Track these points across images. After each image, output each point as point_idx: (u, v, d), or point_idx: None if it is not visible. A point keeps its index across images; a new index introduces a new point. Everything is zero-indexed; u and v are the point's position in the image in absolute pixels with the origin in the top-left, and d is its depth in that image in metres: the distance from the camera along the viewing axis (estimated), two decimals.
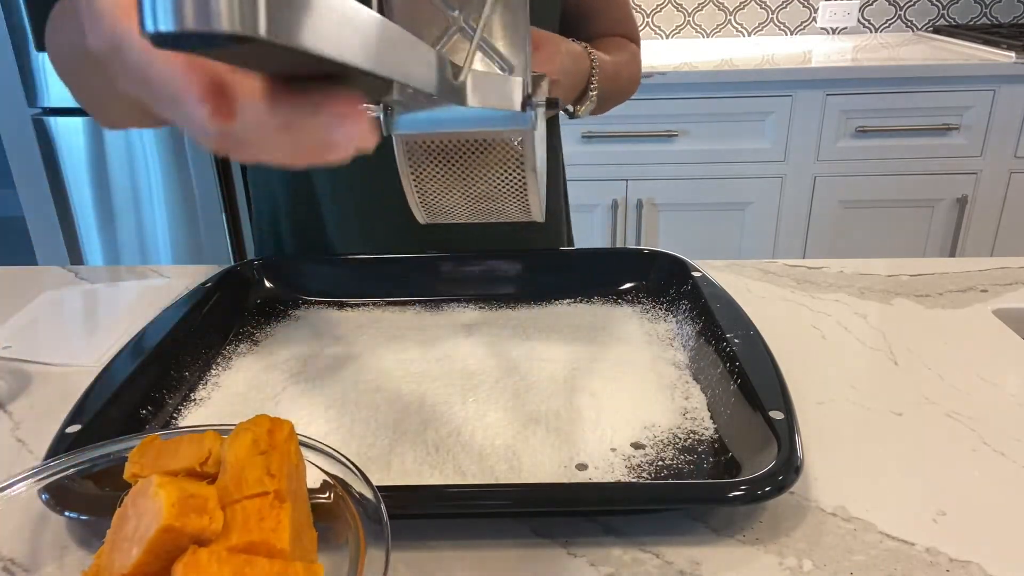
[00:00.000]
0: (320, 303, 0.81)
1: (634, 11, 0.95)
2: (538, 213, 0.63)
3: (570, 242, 1.04)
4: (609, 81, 0.79)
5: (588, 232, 2.13)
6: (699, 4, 2.45)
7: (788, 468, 0.48)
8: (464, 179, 0.61)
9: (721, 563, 0.46)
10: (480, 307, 0.79)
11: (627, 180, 2.08)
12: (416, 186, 0.62)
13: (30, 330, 0.77)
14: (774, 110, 2.00)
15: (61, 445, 0.51)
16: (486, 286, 0.81)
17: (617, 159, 2.06)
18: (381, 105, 0.58)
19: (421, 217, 0.66)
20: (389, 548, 0.38)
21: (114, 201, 2.11)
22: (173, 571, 0.35)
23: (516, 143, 0.59)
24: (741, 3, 2.44)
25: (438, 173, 0.61)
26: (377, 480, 0.43)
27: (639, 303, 0.79)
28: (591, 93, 0.74)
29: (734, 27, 2.48)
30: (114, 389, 0.58)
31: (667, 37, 2.49)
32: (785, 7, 2.44)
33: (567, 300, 0.79)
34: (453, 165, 0.61)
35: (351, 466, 0.43)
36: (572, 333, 0.73)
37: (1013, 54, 1.94)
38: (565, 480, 0.52)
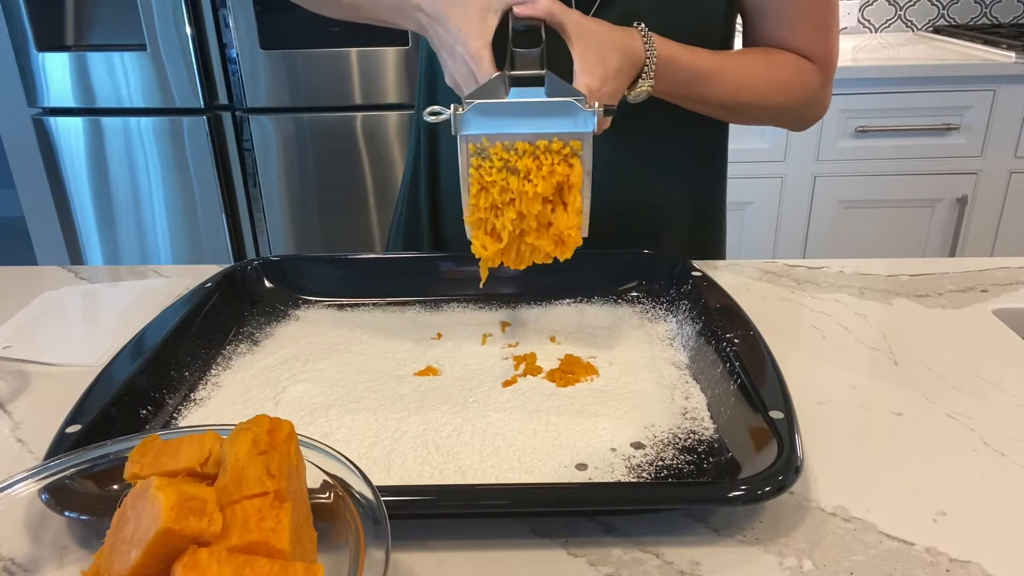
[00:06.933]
0: (320, 303, 0.81)
1: (830, 26, 0.84)
2: (585, 225, 0.64)
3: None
4: (696, 83, 0.77)
5: None
6: None
7: (788, 468, 0.48)
8: (521, 178, 0.62)
9: (721, 563, 0.46)
10: (480, 307, 0.79)
11: None
12: (475, 188, 0.63)
13: (30, 330, 0.77)
14: None
15: (61, 445, 0.51)
16: (486, 286, 0.81)
17: None
18: (452, 107, 0.59)
19: (471, 233, 0.66)
20: (389, 548, 0.38)
21: (114, 201, 2.11)
22: (173, 571, 0.35)
23: (575, 145, 0.61)
24: None
25: (497, 171, 0.62)
26: (377, 480, 0.43)
27: (639, 303, 0.79)
28: (642, 82, 0.72)
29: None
30: (114, 389, 0.58)
31: None
32: None
33: (567, 300, 0.79)
34: (512, 164, 0.62)
35: (351, 466, 0.43)
36: (572, 333, 0.73)
37: (1013, 54, 1.93)
38: (565, 480, 0.52)
